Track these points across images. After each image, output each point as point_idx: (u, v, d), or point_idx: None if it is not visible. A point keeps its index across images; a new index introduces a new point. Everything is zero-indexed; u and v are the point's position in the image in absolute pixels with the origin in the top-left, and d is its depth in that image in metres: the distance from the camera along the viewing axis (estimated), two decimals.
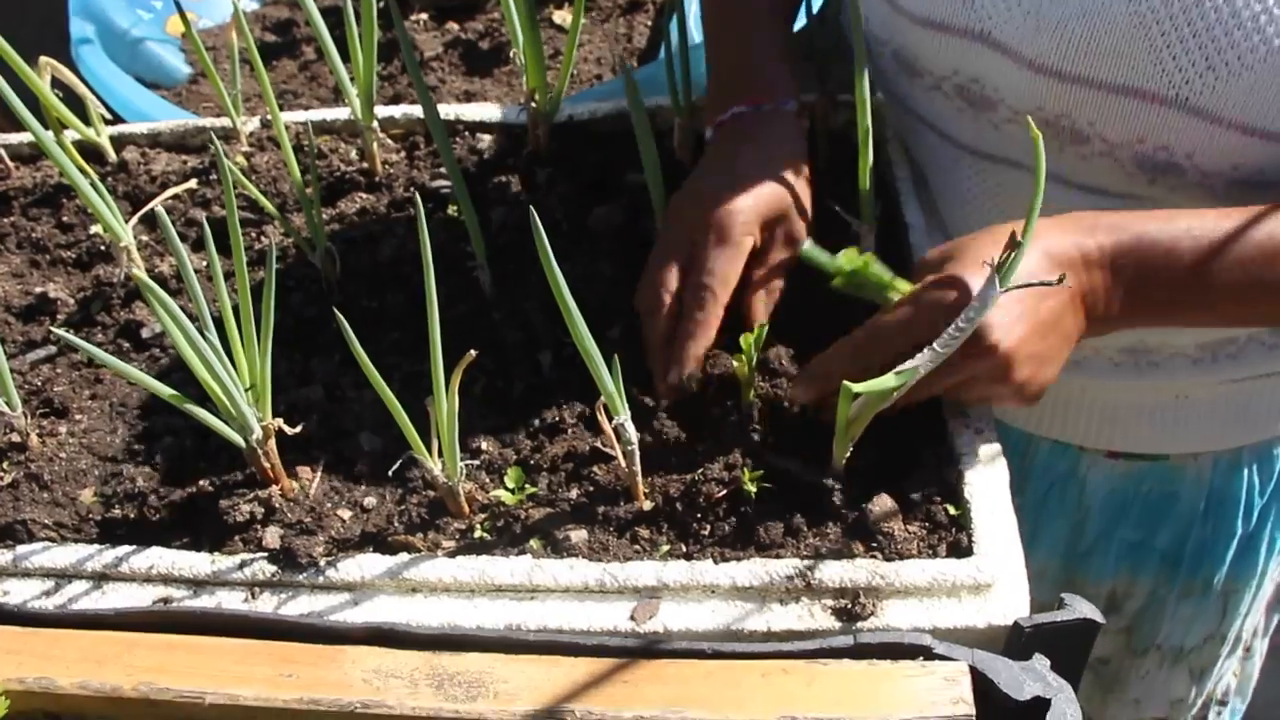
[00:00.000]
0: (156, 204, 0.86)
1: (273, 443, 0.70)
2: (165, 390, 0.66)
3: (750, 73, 0.87)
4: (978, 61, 0.80)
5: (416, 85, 0.79)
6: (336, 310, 0.62)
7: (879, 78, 0.93)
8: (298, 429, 0.70)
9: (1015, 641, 0.63)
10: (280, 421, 0.69)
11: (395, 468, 0.73)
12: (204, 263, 0.92)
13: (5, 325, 0.89)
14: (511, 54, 1.18)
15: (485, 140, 0.97)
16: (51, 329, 0.86)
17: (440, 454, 0.67)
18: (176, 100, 1.21)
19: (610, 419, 0.66)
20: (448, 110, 1.01)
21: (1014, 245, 0.64)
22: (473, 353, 0.62)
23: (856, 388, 0.64)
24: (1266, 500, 1.00)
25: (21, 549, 0.71)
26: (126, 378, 0.65)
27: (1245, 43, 0.69)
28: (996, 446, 0.72)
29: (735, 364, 0.71)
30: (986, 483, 0.69)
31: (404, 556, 0.67)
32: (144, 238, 0.93)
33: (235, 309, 0.68)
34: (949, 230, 0.90)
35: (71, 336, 0.62)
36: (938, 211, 0.90)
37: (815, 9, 0.94)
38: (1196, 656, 1.06)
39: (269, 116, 1.02)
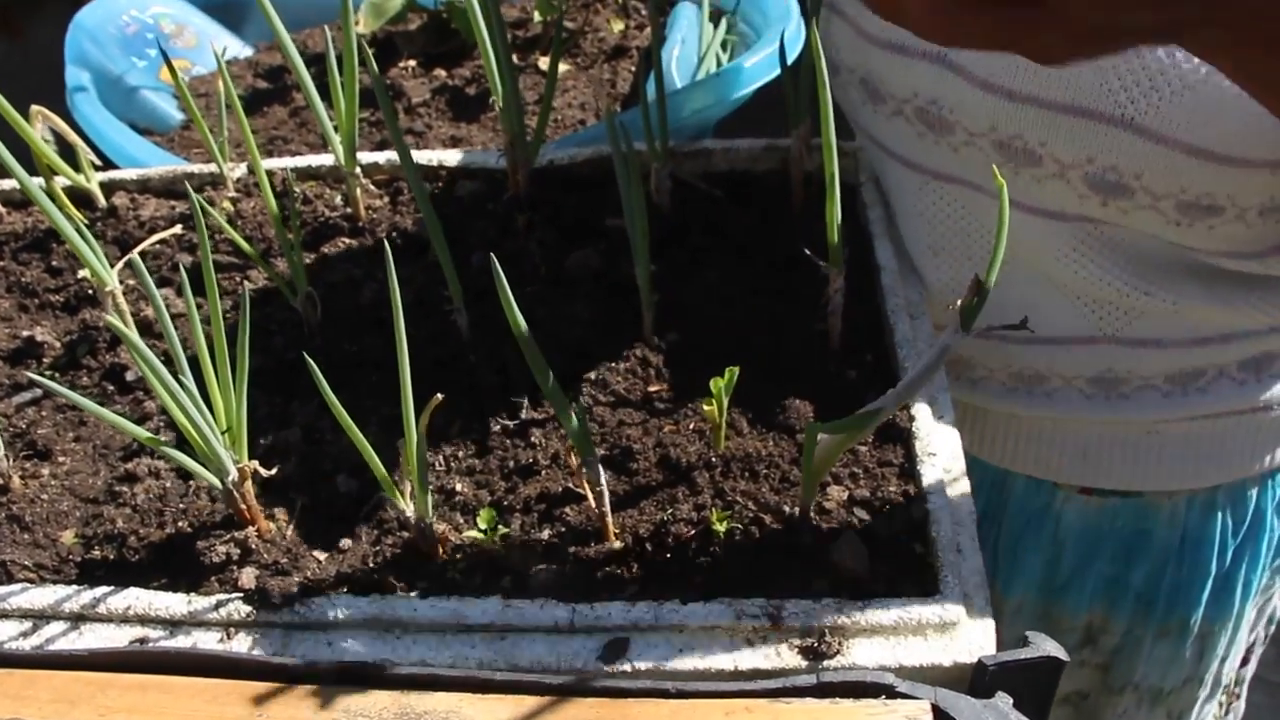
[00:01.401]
0: (139, 250, 0.87)
1: (249, 484, 0.71)
2: (142, 434, 0.67)
3: None
4: (936, 83, 0.82)
5: (392, 132, 0.81)
6: (307, 355, 0.64)
7: (848, 109, 0.95)
8: (274, 471, 0.72)
9: (979, 680, 0.64)
10: (256, 464, 0.70)
11: (368, 509, 0.74)
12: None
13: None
14: (491, 100, 1.20)
15: (467, 185, 0.99)
16: (28, 374, 0.88)
17: (413, 495, 0.68)
18: (169, 146, 1.23)
19: (579, 462, 0.67)
20: (430, 156, 1.03)
21: (978, 289, 0.65)
22: (439, 396, 0.63)
23: (824, 428, 0.65)
24: (1240, 541, 1.01)
25: (1, 590, 0.71)
26: (104, 420, 0.67)
27: (1186, 63, 0.71)
28: (964, 485, 0.73)
29: (706, 408, 0.72)
30: (953, 521, 0.70)
31: (377, 596, 0.68)
32: (130, 282, 0.94)
33: (212, 353, 0.69)
34: (918, 265, 0.91)
35: (49, 382, 0.64)
36: (903, 241, 0.92)
37: (789, 61, 0.96)
38: (1175, 699, 1.06)
39: (250, 164, 1.04)
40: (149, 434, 0.67)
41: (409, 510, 0.68)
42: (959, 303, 0.66)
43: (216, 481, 0.70)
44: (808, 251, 0.78)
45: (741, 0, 1.28)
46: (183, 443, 0.71)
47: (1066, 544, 1.01)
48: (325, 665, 0.62)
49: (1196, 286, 0.83)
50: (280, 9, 1.37)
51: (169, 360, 0.67)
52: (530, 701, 0.59)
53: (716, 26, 1.28)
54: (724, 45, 1.26)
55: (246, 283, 0.94)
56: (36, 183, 1.02)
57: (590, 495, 0.68)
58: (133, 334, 0.60)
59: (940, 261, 0.90)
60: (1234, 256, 0.80)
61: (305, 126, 1.25)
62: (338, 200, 1.01)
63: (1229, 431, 0.94)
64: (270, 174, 1.04)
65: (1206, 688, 1.06)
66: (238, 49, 1.42)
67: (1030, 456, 0.99)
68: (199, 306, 0.93)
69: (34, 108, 0.94)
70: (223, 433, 0.68)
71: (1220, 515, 0.98)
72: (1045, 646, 0.63)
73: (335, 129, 0.93)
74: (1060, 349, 0.90)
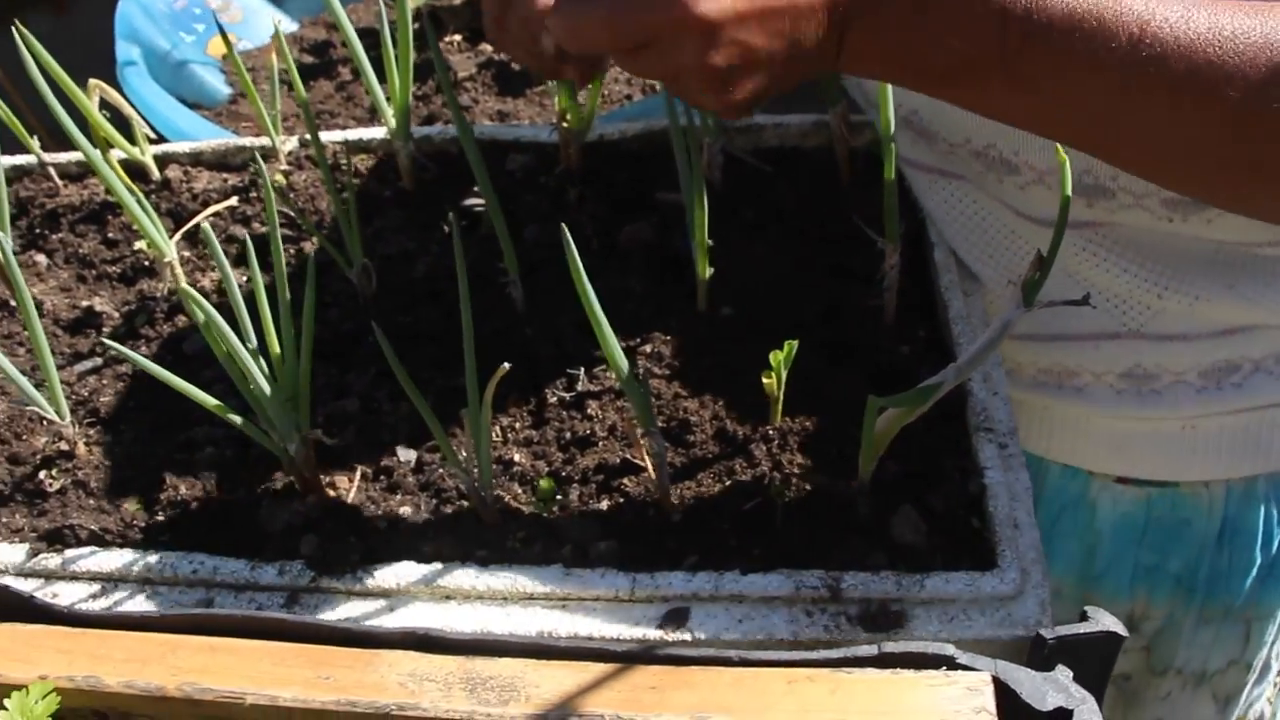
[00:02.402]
0: (199, 220, 0.88)
1: (312, 453, 0.72)
2: (210, 400, 0.68)
3: None
4: (913, 95, 0.81)
5: (451, 106, 0.81)
6: (376, 325, 0.64)
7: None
8: (336, 440, 0.72)
9: (1038, 653, 0.64)
10: (319, 432, 0.71)
11: (429, 479, 0.75)
12: (244, 278, 0.94)
13: (53, 337, 0.91)
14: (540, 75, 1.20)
15: (518, 159, 0.99)
16: (101, 340, 0.89)
17: (475, 465, 0.68)
18: (217, 120, 1.24)
19: (641, 433, 0.67)
20: (481, 130, 1.03)
21: (1040, 264, 0.65)
22: (506, 366, 0.64)
23: (885, 401, 0.65)
24: None
25: (70, 553, 0.73)
26: (175, 388, 0.68)
27: None
28: (1020, 459, 0.73)
29: (765, 381, 0.72)
30: (1009, 496, 0.70)
31: (438, 564, 0.69)
32: (185, 253, 0.95)
33: (277, 323, 0.70)
34: (960, 257, 0.91)
35: (122, 348, 0.65)
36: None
37: None
38: (1220, 681, 1.06)
39: (307, 136, 1.05)
40: (217, 402, 0.68)
41: (470, 481, 0.68)
42: (1020, 278, 0.66)
43: (279, 450, 0.71)
44: (864, 227, 0.78)
45: None
46: (245, 411, 0.72)
47: (1104, 532, 1.01)
48: (390, 631, 0.63)
49: (1217, 284, 0.82)
50: None
51: (233, 330, 0.68)
52: (594, 668, 0.60)
53: None
54: None
55: (301, 255, 0.95)
56: (99, 156, 1.03)
57: (651, 467, 0.68)
58: (204, 302, 0.61)
59: (968, 252, 0.89)
60: (1259, 245, 0.79)
61: (352, 101, 1.25)
62: (389, 173, 1.01)
63: (1266, 424, 0.92)
64: (323, 147, 1.04)
65: (1255, 672, 1.05)
66: (282, 24, 1.43)
67: (1065, 446, 0.98)
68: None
69: (91, 81, 0.95)
70: (286, 401, 0.69)
71: (1263, 505, 0.96)
72: (1104, 621, 0.63)
73: (387, 102, 0.94)
74: (1087, 345, 0.89)
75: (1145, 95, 0.57)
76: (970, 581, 0.66)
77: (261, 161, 1.03)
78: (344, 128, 1.25)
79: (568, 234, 0.59)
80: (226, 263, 0.64)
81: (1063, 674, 0.61)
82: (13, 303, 0.94)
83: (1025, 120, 0.63)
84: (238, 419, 0.68)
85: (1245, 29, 0.57)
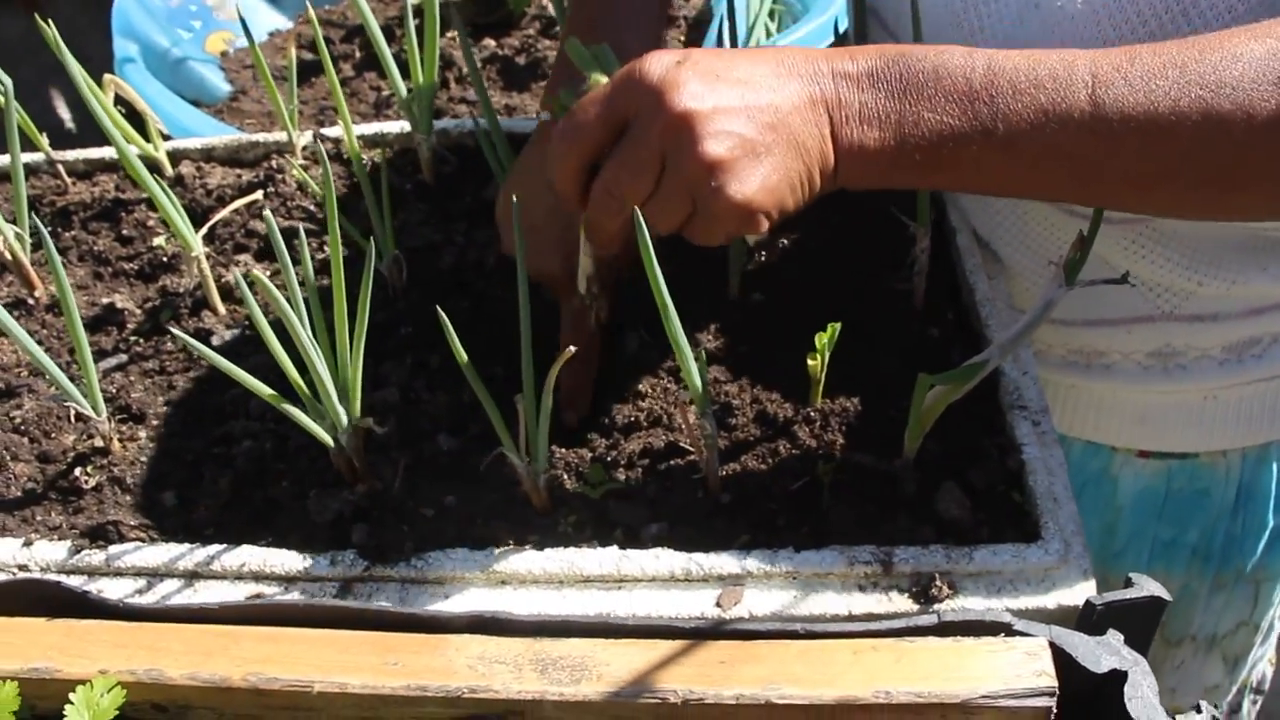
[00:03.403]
0: (224, 214, 0.88)
1: (361, 443, 0.72)
2: (265, 390, 0.68)
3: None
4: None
5: (481, 99, 0.82)
6: (440, 310, 0.64)
7: None
8: (385, 429, 0.73)
9: (1087, 619, 0.66)
10: (370, 421, 0.71)
11: (473, 466, 0.75)
12: (267, 273, 0.94)
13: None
14: (550, 69, 1.21)
15: None
16: (175, 331, 0.88)
17: (526, 451, 0.69)
18: (218, 116, 1.23)
19: (693, 415, 0.68)
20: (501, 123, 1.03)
21: (1082, 244, 0.67)
22: (571, 349, 0.64)
23: (933, 379, 0.66)
24: None
25: (114, 549, 0.72)
26: (233, 377, 0.67)
27: None
28: (1053, 436, 0.75)
29: (810, 363, 0.73)
30: (1047, 470, 0.72)
31: (493, 550, 0.69)
32: (205, 249, 0.95)
33: (321, 316, 0.70)
34: (991, 245, 0.92)
35: (191, 340, 0.64)
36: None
37: (842, 29, 0.97)
38: (1229, 643, 1.09)
39: (324, 131, 1.04)
40: (272, 392, 0.68)
41: (523, 466, 0.69)
42: (1062, 258, 0.68)
43: (329, 440, 0.71)
44: (897, 212, 0.79)
45: None
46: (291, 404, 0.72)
47: (1124, 508, 1.03)
48: (455, 616, 0.63)
49: (1252, 268, 0.84)
50: None
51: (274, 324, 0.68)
52: (662, 645, 0.61)
53: None
54: (771, 15, 1.27)
55: (325, 249, 0.94)
56: (108, 153, 1.03)
57: (703, 449, 0.69)
58: (273, 288, 0.61)
59: (997, 238, 0.91)
60: None
61: (355, 96, 1.25)
62: (407, 167, 1.01)
63: None
64: (337, 141, 1.04)
65: (1261, 633, 1.09)
66: (278, 21, 1.42)
67: (1089, 423, 1.00)
68: (276, 273, 0.94)
69: (107, 77, 0.94)
70: (338, 390, 0.69)
71: (1275, 467, 1.00)
72: (1148, 587, 0.65)
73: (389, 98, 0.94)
74: (1120, 329, 0.91)
75: (1113, 137, 0.61)
76: (1016, 553, 0.67)
77: (262, 161, 1.04)
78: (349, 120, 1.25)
79: (640, 217, 0.60)
80: (288, 256, 0.64)
81: (1114, 638, 0.63)
82: (30, 300, 0.93)
83: (1014, 184, 0.67)
84: (292, 410, 0.68)
85: (1190, 57, 0.61)
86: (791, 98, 0.62)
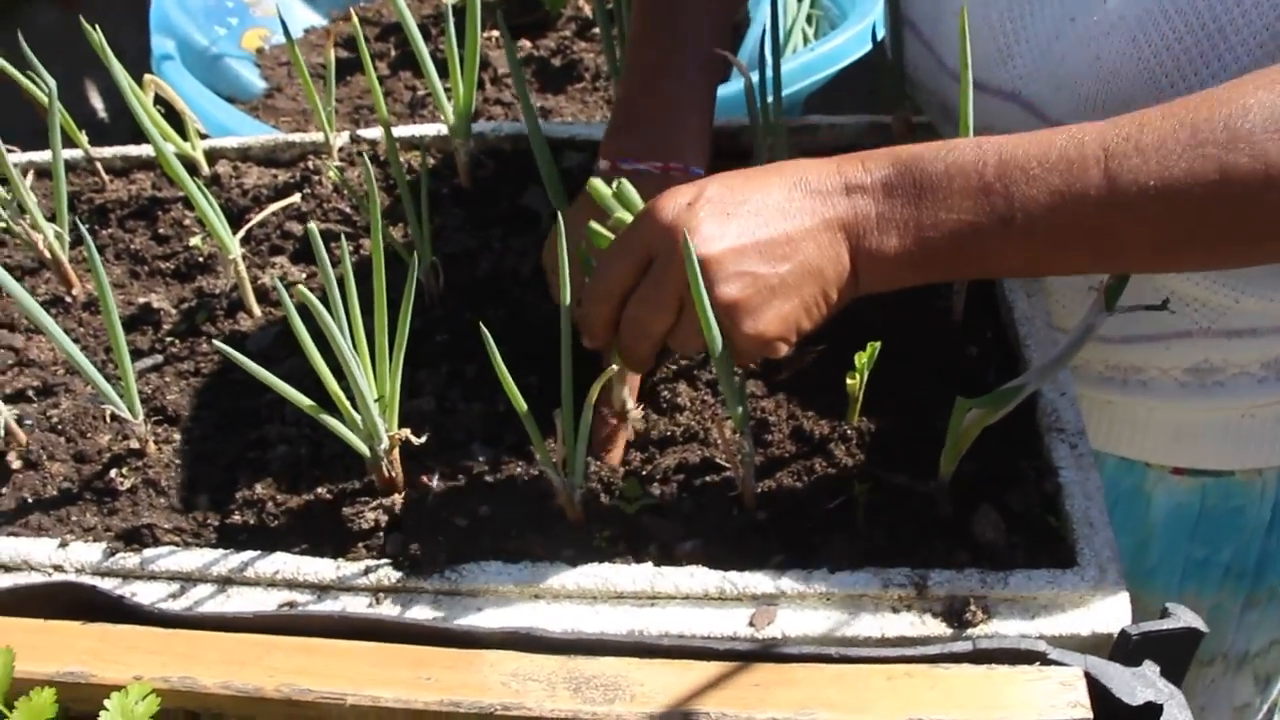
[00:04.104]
0: (263, 216, 0.88)
1: (397, 452, 0.72)
2: (304, 400, 0.68)
3: (669, 127, 0.83)
4: (1009, 119, 0.83)
5: (522, 101, 0.81)
6: (482, 325, 0.64)
7: (931, 120, 0.96)
8: (423, 439, 0.73)
9: (1122, 649, 0.65)
10: (407, 432, 0.71)
11: (508, 477, 0.75)
12: (303, 275, 0.94)
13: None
14: (589, 71, 1.20)
15: (574, 157, 1.00)
16: (160, 336, 0.89)
17: (563, 465, 0.69)
18: (253, 114, 1.24)
19: (729, 431, 0.68)
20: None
21: None
22: (615, 367, 0.64)
23: (972, 403, 0.66)
24: None
25: (149, 552, 0.73)
26: (271, 386, 0.68)
27: None
28: (1090, 459, 0.74)
29: (849, 381, 0.73)
30: (1084, 494, 0.71)
31: (527, 563, 0.69)
32: (241, 250, 0.95)
33: (362, 322, 0.70)
34: None
35: (229, 349, 0.64)
36: None
37: (880, 36, 0.96)
38: (1261, 662, 1.08)
39: (359, 132, 1.05)
40: (311, 402, 0.68)
41: (559, 480, 0.69)
42: (1102, 282, 0.67)
43: (365, 449, 0.71)
44: None
45: None
46: (327, 410, 0.72)
47: (1157, 525, 1.03)
48: (489, 631, 0.63)
49: None
50: None
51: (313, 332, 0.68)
52: (696, 666, 0.61)
53: (800, 2, 1.28)
54: (809, 19, 1.26)
55: (361, 250, 0.95)
56: (145, 151, 1.03)
57: (740, 467, 0.69)
58: (315, 302, 0.61)
59: None
60: None
61: (390, 96, 1.25)
62: (443, 170, 1.01)
63: None
64: (374, 143, 1.05)
65: None
66: (313, 18, 1.42)
67: (1123, 439, 0.99)
68: (313, 275, 0.94)
69: (147, 77, 0.94)
70: (375, 400, 0.69)
71: None
72: (1185, 618, 0.65)
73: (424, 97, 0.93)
74: (1157, 345, 0.91)
75: (1131, 209, 0.61)
76: (1052, 579, 0.67)
77: (299, 161, 1.04)
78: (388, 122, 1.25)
79: (688, 241, 0.60)
80: (330, 268, 0.64)
81: (1150, 669, 0.62)
82: (68, 299, 0.94)
83: (1039, 266, 0.68)
84: (328, 419, 0.69)
85: (1200, 117, 0.61)
86: (805, 224, 0.64)
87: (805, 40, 1.25)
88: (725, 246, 0.63)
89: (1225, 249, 0.65)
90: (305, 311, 0.64)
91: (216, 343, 0.65)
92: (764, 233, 0.64)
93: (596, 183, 0.70)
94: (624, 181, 0.69)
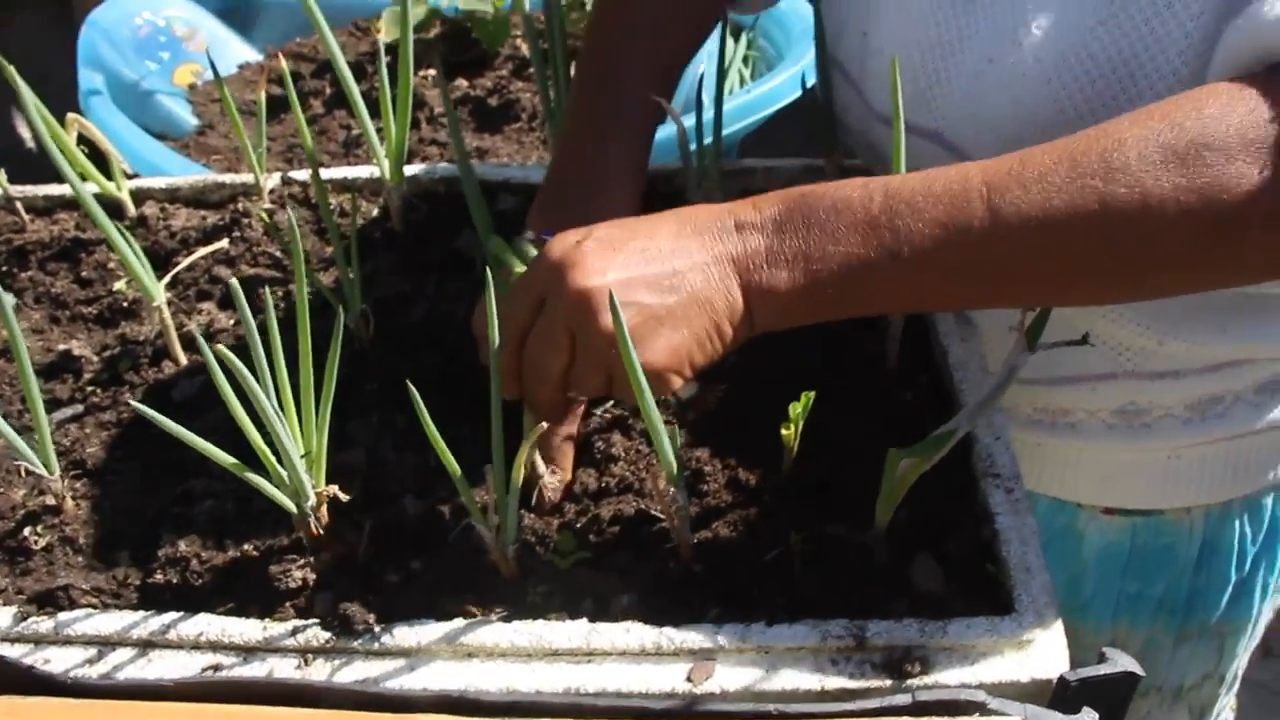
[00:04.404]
0: (190, 262, 0.86)
1: (325, 509, 0.70)
2: (228, 459, 0.66)
3: (596, 194, 0.83)
4: (932, 159, 0.83)
5: (455, 145, 0.80)
6: (409, 385, 0.63)
7: (862, 161, 0.97)
8: (351, 496, 0.71)
9: (1060, 695, 0.65)
10: (335, 488, 0.69)
11: (456, 534, 0.74)
12: (230, 322, 0.92)
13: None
14: (526, 111, 1.20)
15: (510, 200, 0.99)
16: (80, 386, 0.86)
17: (497, 519, 0.67)
18: (184, 151, 1.21)
19: (665, 487, 0.67)
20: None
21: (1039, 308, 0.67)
22: (544, 425, 0.63)
23: (904, 452, 0.66)
24: (1258, 548, 1.04)
25: (64, 616, 0.70)
26: (194, 447, 0.66)
27: None
28: (1026, 504, 0.75)
29: (784, 432, 0.72)
30: (1020, 540, 0.72)
31: (459, 621, 0.67)
32: (167, 295, 0.93)
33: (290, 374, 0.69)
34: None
35: (149, 410, 0.62)
36: None
37: (809, 82, 0.97)
38: (1195, 695, 1.09)
39: (290, 174, 1.03)
40: (234, 460, 0.66)
41: (491, 535, 0.68)
42: (1022, 322, 0.67)
43: (292, 506, 0.69)
44: None
45: (760, 17, 1.29)
46: (251, 465, 0.70)
47: (1090, 563, 1.04)
48: (421, 695, 0.62)
49: (1211, 328, 0.85)
50: (288, 15, 1.36)
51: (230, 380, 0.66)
52: None
53: (736, 42, 1.29)
54: (745, 60, 1.27)
55: (290, 297, 0.93)
56: (69, 189, 1.00)
57: (674, 519, 0.68)
58: (231, 356, 0.59)
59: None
60: (1248, 287, 0.83)
61: (324, 135, 1.24)
62: (375, 213, 1.00)
63: (1246, 450, 0.96)
64: (305, 185, 1.03)
65: (1226, 684, 1.10)
66: (248, 54, 1.40)
67: (1054, 480, 1.01)
68: (240, 323, 0.92)
69: (70, 116, 0.92)
70: (301, 456, 0.67)
71: (1238, 524, 1.00)
72: (1122, 661, 0.65)
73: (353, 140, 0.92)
74: (1084, 386, 0.92)
75: (1014, 240, 0.63)
76: (990, 626, 0.67)
77: (229, 203, 1.02)
78: (319, 162, 1.23)
79: (615, 298, 0.59)
80: (251, 320, 0.62)
81: (1088, 715, 0.62)
82: None
83: (932, 301, 0.70)
84: (254, 477, 0.67)
85: (1078, 150, 0.63)
86: (692, 257, 0.65)
87: (742, 81, 1.25)
88: (611, 279, 0.64)
89: (1110, 280, 0.66)
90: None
91: (133, 402, 0.62)
92: (651, 268, 0.65)
93: (497, 241, 0.71)
94: (523, 240, 0.70)
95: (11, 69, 0.84)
